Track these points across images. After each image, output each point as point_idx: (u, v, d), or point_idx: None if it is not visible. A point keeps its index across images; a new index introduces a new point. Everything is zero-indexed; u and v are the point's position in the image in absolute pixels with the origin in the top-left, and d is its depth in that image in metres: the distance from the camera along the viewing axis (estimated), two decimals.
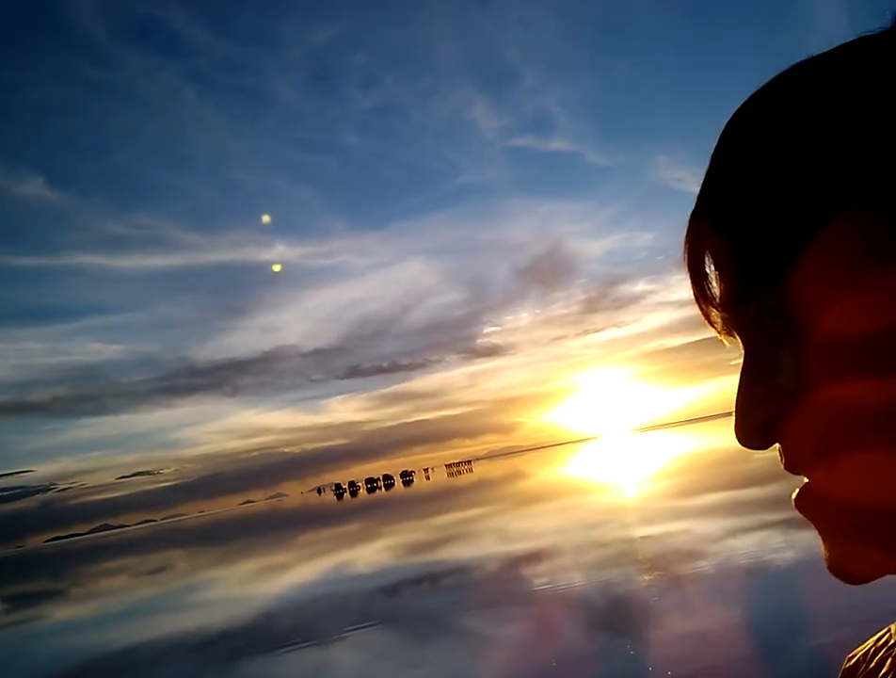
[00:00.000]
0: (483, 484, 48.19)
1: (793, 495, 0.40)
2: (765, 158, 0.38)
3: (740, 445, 0.42)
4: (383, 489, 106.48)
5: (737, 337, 0.44)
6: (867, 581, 0.38)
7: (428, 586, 10.84)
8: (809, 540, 7.97)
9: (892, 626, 0.49)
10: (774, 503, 11.74)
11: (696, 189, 0.43)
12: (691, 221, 0.43)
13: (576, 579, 8.92)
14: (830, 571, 0.39)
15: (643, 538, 11.21)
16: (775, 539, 9.02)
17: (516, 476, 52.39)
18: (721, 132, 0.41)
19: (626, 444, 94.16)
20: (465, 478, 69.69)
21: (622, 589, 7.91)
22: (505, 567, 11.02)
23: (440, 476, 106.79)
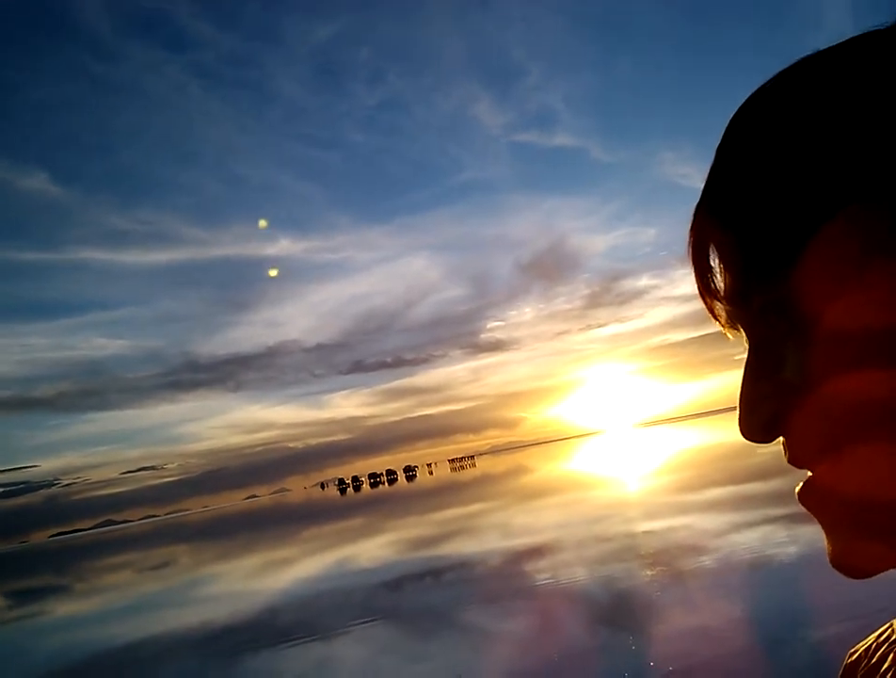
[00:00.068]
0: (486, 479, 48.15)
1: (797, 489, 0.40)
2: (770, 154, 0.38)
3: (744, 439, 0.42)
4: (386, 484, 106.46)
5: (741, 331, 0.44)
6: (870, 575, 0.39)
7: (431, 581, 10.85)
8: (812, 535, 7.95)
9: (894, 621, 0.49)
10: (777, 497, 11.72)
11: (701, 185, 0.43)
12: (695, 215, 0.43)
13: (579, 574, 8.92)
14: (833, 565, 0.39)
15: (646, 533, 11.20)
16: (778, 533, 9.00)
17: (519, 470, 52.38)
18: (725, 127, 0.41)
19: (629, 439, 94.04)
20: (468, 473, 69.66)
21: (625, 585, 7.91)
22: (508, 562, 11.02)
23: (443, 472, 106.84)
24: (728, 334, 0.45)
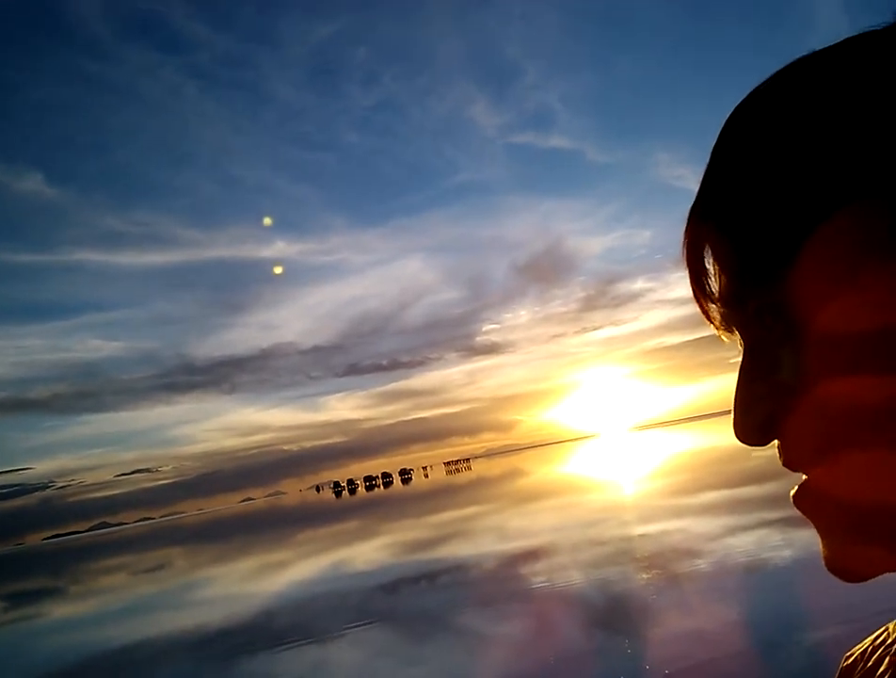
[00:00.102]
0: (481, 482, 48.19)
1: (792, 493, 0.40)
2: (765, 155, 0.37)
3: (738, 442, 0.41)
4: (382, 487, 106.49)
5: (736, 334, 0.43)
6: (865, 579, 0.38)
7: (427, 584, 10.85)
8: (807, 539, 7.97)
9: (890, 625, 0.49)
10: (772, 501, 11.74)
11: (696, 187, 0.43)
12: (690, 217, 0.43)
13: (574, 577, 8.93)
14: (828, 568, 0.39)
15: (641, 536, 11.21)
16: (773, 537, 9.02)
17: (514, 474, 52.40)
18: (721, 128, 0.41)
19: (624, 443, 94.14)
20: (463, 476, 69.69)
21: (620, 588, 7.92)
22: (504, 565, 11.02)
23: (438, 475, 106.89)
24: (723, 337, 0.45)
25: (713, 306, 0.44)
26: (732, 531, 10.12)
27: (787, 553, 7.95)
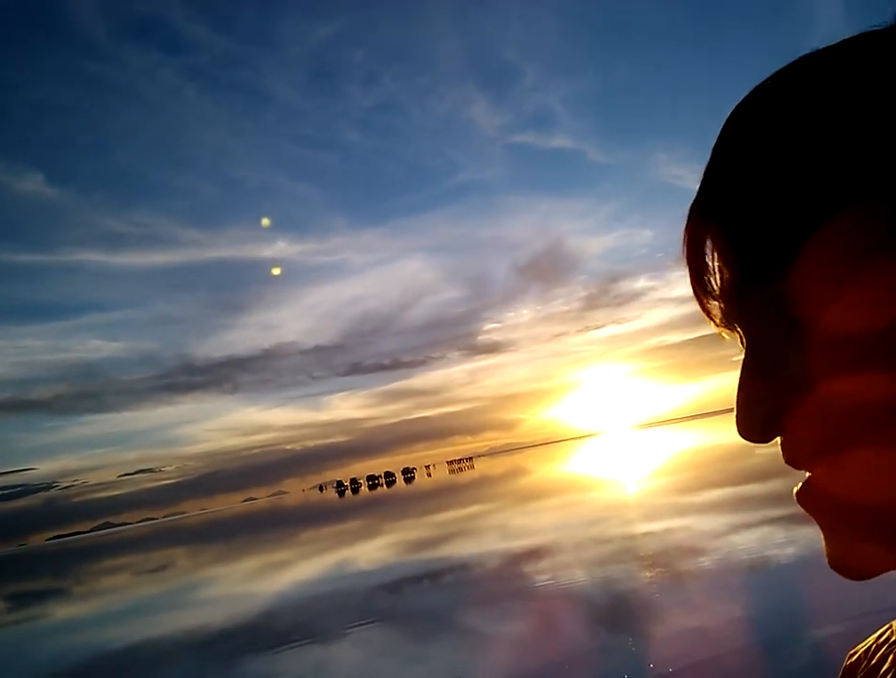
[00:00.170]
0: (484, 481, 48.18)
1: (795, 490, 0.40)
2: (768, 153, 0.37)
3: (741, 439, 0.41)
4: (385, 486, 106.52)
5: (736, 331, 0.44)
6: (868, 577, 0.39)
7: (430, 583, 10.85)
8: (810, 536, 7.96)
9: (894, 622, 0.49)
10: (775, 499, 11.73)
11: (697, 186, 0.43)
12: (691, 214, 0.43)
13: (578, 576, 8.93)
14: (831, 566, 0.39)
15: (644, 534, 11.21)
16: (776, 535, 9.02)
17: (517, 472, 52.41)
18: (723, 125, 0.41)
19: (627, 441, 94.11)
20: (466, 475, 69.70)
21: (624, 586, 7.92)
22: (507, 563, 11.03)
23: (441, 473, 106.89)
24: (723, 334, 0.45)
25: (714, 303, 0.44)
26: (736, 529, 10.12)
27: (790, 550, 7.94)
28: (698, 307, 0.45)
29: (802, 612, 5.86)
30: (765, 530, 9.48)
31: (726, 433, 46.08)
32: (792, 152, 0.36)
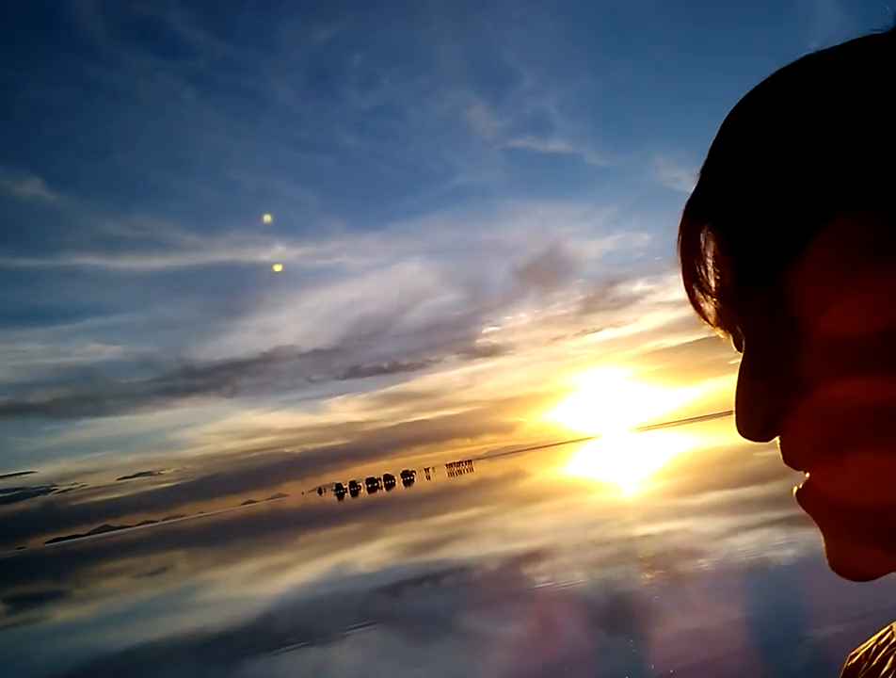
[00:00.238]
0: (483, 484, 48.18)
1: (795, 489, 0.40)
2: (768, 152, 0.37)
3: (741, 439, 0.41)
4: (384, 489, 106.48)
5: (731, 332, 0.44)
6: (867, 579, 0.38)
7: (429, 585, 10.85)
8: (810, 538, 7.98)
9: (894, 624, 0.49)
10: (774, 501, 11.73)
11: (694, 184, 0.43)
12: (687, 210, 0.43)
13: (577, 578, 8.93)
14: (831, 567, 0.39)
15: (643, 536, 11.21)
16: (775, 536, 9.02)
17: (516, 475, 52.38)
18: (723, 123, 0.41)
19: (625, 444, 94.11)
20: (465, 478, 69.67)
21: (624, 588, 7.92)
22: (506, 566, 11.03)
23: (440, 476, 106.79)
24: (718, 334, 0.45)
25: (709, 302, 0.43)
26: (735, 531, 10.12)
27: (789, 552, 7.95)
28: (691, 305, 0.45)
29: (802, 613, 5.86)
30: (764, 532, 9.49)
31: (724, 436, 46.13)
32: (793, 151, 0.36)
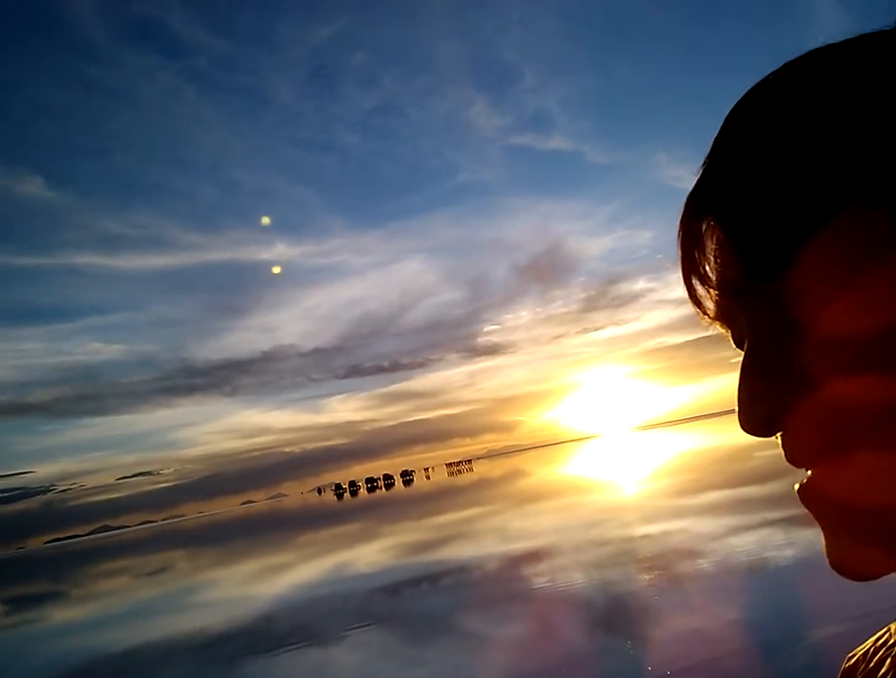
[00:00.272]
0: (483, 483, 48.16)
1: (797, 486, 0.40)
2: (772, 148, 0.37)
3: (744, 433, 0.41)
4: (383, 488, 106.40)
5: (729, 328, 0.44)
6: (866, 579, 0.38)
7: (428, 585, 10.83)
8: (809, 538, 7.96)
9: (892, 625, 0.49)
10: (774, 501, 11.72)
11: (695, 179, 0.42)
12: (688, 205, 0.42)
13: (576, 578, 8.91)
14: (831, 566, 0.39)
15: (643, 536, 11.19)
16: (775, 537, 9.00)
17: (516, 474, 52.38)
18: (725, 118, 0.41)
19: (626, 443, 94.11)
20: (465, 477, 69.65)
21: (622, 588, 7.90)
22: (505, 566, 11.01)
23: (440, 476, 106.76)
24: (717, 326, 0.45)
25: (708, 297, 0.43)
26: (735, 531, 10.10)
27: (788, 552, 7.93)
28: (689, 299, 0.45)
29: (800, 614, 5.85)
30: (764, 532, 9.46)
31: (725, 435, 46.14)
32: (796, 150, 0.36)
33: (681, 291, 0.44)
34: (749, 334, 0.41)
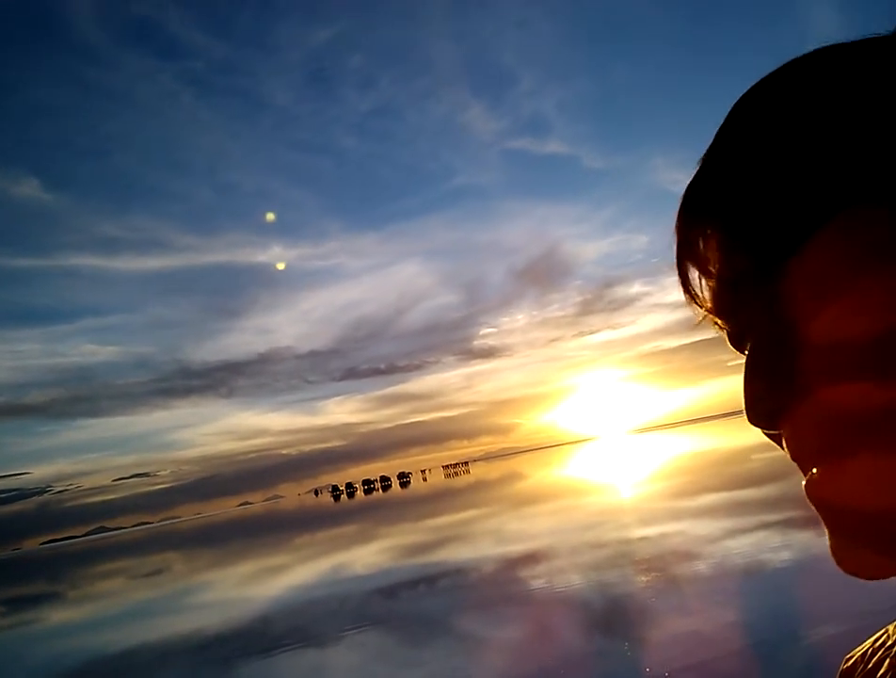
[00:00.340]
0: (480, 485, 48.11)
1: (804, 482, 0.40)
2: (772, 148, 0.37)
3: (746, 432, 0.58)
4: (380, 490, 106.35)
5: (725, 326, 0.44)
6: (870, 579, 0.38)
7: (425, 587, 10.82)
8: (807, 540, 7.98)
9: (890, 627, 0.49)
10: (771, 503, 11.74)
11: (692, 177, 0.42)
12: (685, 204, 0.42)
13: (573, 580, 8.91)
14: (835, 563, 0.39)
15: (640, 539, 11.20)
16: (772, 539, 9.01)
17: (513, 477, 52.33)
18: (725, 117, 0.41)
19: (623, 446, 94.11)
20: (462, 480, 69.57)
21: (620, 590, 7.90)
22: (503, 568, 11.00)
23: (437, 478, 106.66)
24: (712, 319, 0.44)
25: (703, 301, 0.43)
26: (732, 533, 10.10)
27: (786, 554, 7.93)
28: (684, 296, 0.44)
29: (797, 616, 5.85)
30: (761, 534, 9.47)
31: (722, 438, 46.18)
32: (798, 148, 0.36)
33: (678, 295, 0.44)
34: (750, 335, 0.41)
